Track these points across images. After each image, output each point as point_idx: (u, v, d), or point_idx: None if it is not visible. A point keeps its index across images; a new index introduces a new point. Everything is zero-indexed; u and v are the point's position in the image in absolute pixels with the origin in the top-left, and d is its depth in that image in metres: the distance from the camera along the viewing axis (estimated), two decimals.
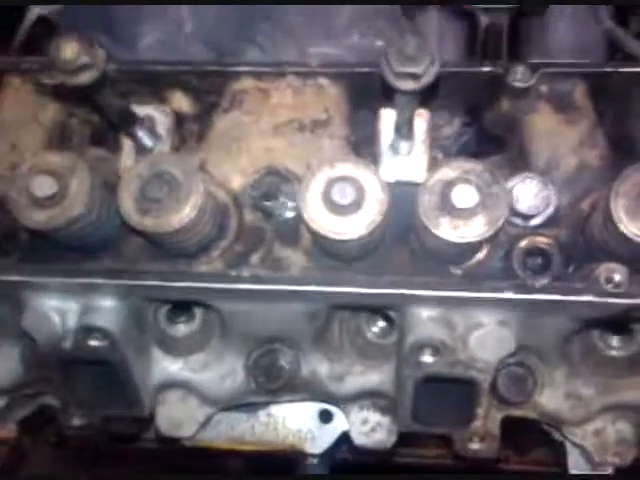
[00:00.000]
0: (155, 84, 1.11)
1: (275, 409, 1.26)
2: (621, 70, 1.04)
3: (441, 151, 1.10)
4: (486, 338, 0.95)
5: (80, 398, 1.09)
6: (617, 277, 0.82)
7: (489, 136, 1.13)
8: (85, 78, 0.80)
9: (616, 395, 1.08)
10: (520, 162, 1.03)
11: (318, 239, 0.92)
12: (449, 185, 0.83)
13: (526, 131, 1.05)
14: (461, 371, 0.97)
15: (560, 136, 1.02)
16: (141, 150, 1.03)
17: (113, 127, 1.00)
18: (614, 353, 1.07)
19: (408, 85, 0.78)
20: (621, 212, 0.81)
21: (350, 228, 0.84)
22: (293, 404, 1.24)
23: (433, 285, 0.89)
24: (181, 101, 1.13)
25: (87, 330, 0.98)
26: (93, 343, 0.99)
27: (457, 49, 1.48)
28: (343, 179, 0.84)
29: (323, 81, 1.09)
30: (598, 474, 1.13)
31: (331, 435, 1.23)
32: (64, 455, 1.60)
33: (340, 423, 1.23)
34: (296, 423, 1.25)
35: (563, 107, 1.04)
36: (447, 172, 0.84)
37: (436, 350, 0.95)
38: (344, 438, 1.24)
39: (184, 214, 0.86)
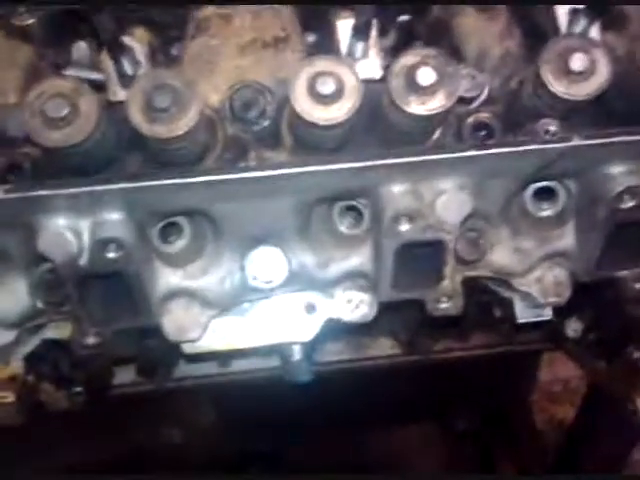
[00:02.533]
0: (119, 19, 1.20)
1: (264, 309, 1.40)
2: None
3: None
4: (449, 202, 1.13)
5: (95, 314, 1.18)
6: (552, 128, 1.03)
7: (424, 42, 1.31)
8: None
9: (550, 245, 1.30)
10: (454, 57, 1.22)
11: (302, 132, 1.07)
12: (412, 68, 1.00)
13: (455, 32, 1.24)
14: (432, 234, 1.15)
15: (484, 32, 1.22)
16: (122, 77, 1.13)
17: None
18: (544, 213, 1.29)
19: None
20: (549, 75, 1.02)
21: (335, 114, 1.00)
22: (279, 304, 1.39)
23: (405, 154, 1.05)
24: (144, 36, 1.23)
25: (103, 243, 1.08)
26: (110, 255, 1.09)
27: None
28: (323, 73, 0.99)
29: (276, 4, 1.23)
30: None
31: (317, 322, 1.38)
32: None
33: (323, 312, 1.39)
34: (285, 318, 1.39)
35: (483, 8, 1.24)
36: (409, 58, 1.01)
37: (411, 218, 1.13)
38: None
39: (189, 118, 0.98)
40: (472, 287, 1.37)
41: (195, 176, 1.00)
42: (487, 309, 1.79)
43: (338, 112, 1.00)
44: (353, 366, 2.10)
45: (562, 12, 1.18)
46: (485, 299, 1.60)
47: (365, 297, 1.31)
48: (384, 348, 2.10)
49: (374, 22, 1.15)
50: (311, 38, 1.30)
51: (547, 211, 1.28)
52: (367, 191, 1.17)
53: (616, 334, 1.86)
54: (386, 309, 1.47)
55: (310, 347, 1.50)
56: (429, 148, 1.08)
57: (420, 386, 2.30)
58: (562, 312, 1.91)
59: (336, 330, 1.48)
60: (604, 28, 1.18)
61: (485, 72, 1.17)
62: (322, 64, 1.00)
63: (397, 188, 1.13)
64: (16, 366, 1.35)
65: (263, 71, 1.18)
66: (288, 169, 1.03)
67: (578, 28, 1.16)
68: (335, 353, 2.08)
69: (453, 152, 1.03)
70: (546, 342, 2.11)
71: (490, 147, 1.03)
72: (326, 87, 0.99)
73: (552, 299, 1.34)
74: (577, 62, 1.00)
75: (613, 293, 1.45)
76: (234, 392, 2.18)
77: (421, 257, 1.21)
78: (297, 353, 1.50)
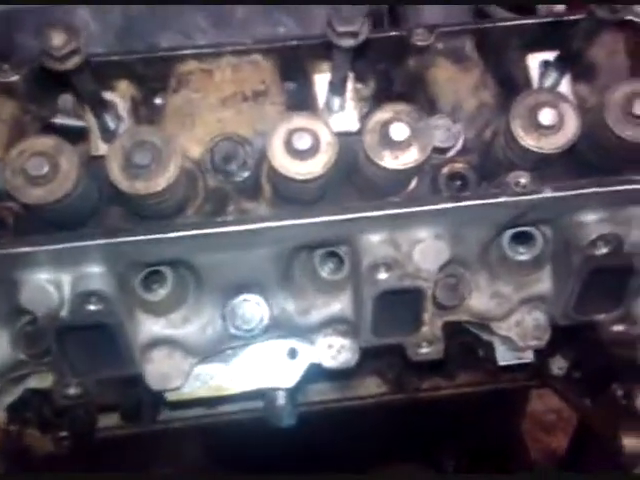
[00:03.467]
0: (104, 73, 1.23)
1: (246, 355, 1.40)
2: (497, 25, 1.29)
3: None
4: (427, 251, 1.15)
5: (76, 365, 1.19)
6: (523, 180, 1.05)
7: (399, 93, 1.35)
8: (72, 63, 0.92)
9: (529, 289, 1.32)
10: (429, 109, 1.26)
11: (281, 185, 1.09)
12: (386, 124, 1.03)
13: (430, 83, 1.28)
14: (410, 282, 1.17)
15: (459, 83, 1.25)
16: (104, 132, 1.16)
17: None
18: (522, 257, 1.31)
19: (348, 43, 0.96)
20: (519, 129, 1.04)
21: (311, 169, 1.02)
22: (261, 350, 1.39)
23: (381, 206, 1.07)
24: (127, 89, 1.26)
25: (84, 296, 1.09)
26: (91, 307, 1.10)
27: None
28: (300, 129, 1.02)
29: (257, 57, 1.26)
30: None
31: (300, 368, 1.39)
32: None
33: (306, 357, 1.39)
34: (267, 364, 1.40)
35: (457, 59, 1.27)
36: (382, 114, 1.04)
37: (389, 267, 1.15)
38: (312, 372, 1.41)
39: (169, 174, 1.00)
40: (454, 329, 1.39)
41: (171, 231, 1.02)
42: (471, 349, 1.80)
43: (314, 167, 1.02)
44: (340, 406, 2.10)
45: (534, 65, 1.21)
46: (469, 340, 1.61)
47: (346, 342, 1.32)
48: (371, 387, 2.10)
49: (350, 75, 1.18)
50: (291, 86, 1.33)
51: (524, 255, 1.30)
52: (346, 239, 1.19)
53: (600, 372, 1.87)
54: (373, 349, 1.48)
55: (294, 391, 1.50)
56: (404, 200, 1.10)
57: (407, 424, 2.30)
58: (547, 350, 1.92)
59: (322, 373, 1.49)
60: (575, 79, 1.21)
61: (460, 123, 1.19)
62: (298, 121, 1.02)
63: (375, 237, 1.15)
64: None
65: (243, 124, 1.20)
66: (265, 223, 1.05)
67: (549, 79, 1.19)
68: (321, 393, 2.07)
69: (426, 205, 1.05)
70: (532, 379, 2.12)
71: (461, 200, 1.05)
72: (302, 143, 1.01)
73: (532, 342, 1.35)
74: (546, 116, 1.03)
75: (595, 333, 1.46)
76: (219, 433, 2.17)
77: (400, 304, 1.23)
78: (281, 398, 1.50)
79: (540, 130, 1.04)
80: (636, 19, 1.20)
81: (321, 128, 1.03)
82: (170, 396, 1.37)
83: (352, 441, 2.27)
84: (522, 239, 1.30)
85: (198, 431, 2.22)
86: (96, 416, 1.71)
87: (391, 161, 1.04)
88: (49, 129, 1.25)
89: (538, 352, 1.64)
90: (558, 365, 1.93)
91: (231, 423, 2.05)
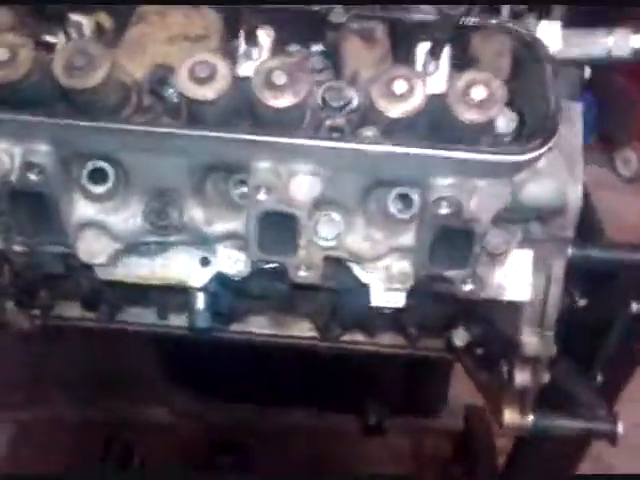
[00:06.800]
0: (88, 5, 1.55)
1: (168, 256, 1.70)
2: (408, 16, 1.55)
3: None
4: (302, 183, 1.43)
5: (21, 226, 1.51)
6: (369, 134, 1.32)
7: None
8: None
9: (398, 239, 1.56)
10: (336, 74, 1.53)
11: (190, 107, 1.39)
12: (270, 70, 1.31)
13: (341, 54, 1.55)
14: (284, 207, 1.44)
15: (363, 57, 1.52)
16: None
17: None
18: (400, 216, 1.56)
19: None
20: (376, 94, 1.31)
21: (207, 92, 1.31)
22: (180, 255, 1.69)
23: (259, 133, 1.35)
24: (105, 18, 1.59)
25: (28, 165, 1.41)
26: (32, 177, 1.42)
27: None
28: (203, 62, 1.31)
29: (205, 8, 1.56)
30: None
31: (209, 273, 1.67)
32: None
33: (215, 266, 1.68)
34: (183, 266, 1.69)
35: (367, 39, 1.54)
36: (270, 62, 1.32)
37: (268, 190, 1.43)
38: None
39: (100, 74, 1.31)
40: None
41: (94, 121, 1.34)
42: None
43: (209, 91, 1.31)
44: (274, 341, 2.36)
45: (421, 53, 1.47)
46: None
47: (241, 256, 1.61)
48: (303, 329, 2.35)
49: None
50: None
51: (402, 214, 1.55)
52: (244, 166, 1.47)
53: (495, 349, 2.07)
54: (306, 290, 1.76)
55: (214, 300, 1.80)
56: (280, 132, 1.38)
57: (335, 374, 2.54)
58: (451, 323, 2.15)
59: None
60: (457, 70, 1.45)
61: (355, 88, 1.46)
62: (203, 56, 1.32)
63: (263, 165, 1.43)
64: None
65: (183, 59, 1.50)
66: (167, 129, 1.35)
67: (430, 66, 1.45)
68: (257, 326, 2.34)
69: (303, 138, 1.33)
70: (445, 351, 2.33)
71: (315, 139, 1.33)
72: (202, 72, 1.31)
73: (396, 285, 1.60)
74: (398, 86, 1.29)
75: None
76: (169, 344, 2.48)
77: (280, 226, 1.50)
78: (200, 302, 1.81)
79: (392, 97, 1.30)
80: (512, 27, 1.43)
81: (220, 64, 1.32)
82: (100, 274, 1.69)
83: (280, 377, 2.53)
84: (401, 198, 1.55)
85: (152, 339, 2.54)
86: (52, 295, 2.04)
87: (272, 101, 1.32)
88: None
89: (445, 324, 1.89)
90: (460, 338, 2.14)
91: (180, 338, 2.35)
